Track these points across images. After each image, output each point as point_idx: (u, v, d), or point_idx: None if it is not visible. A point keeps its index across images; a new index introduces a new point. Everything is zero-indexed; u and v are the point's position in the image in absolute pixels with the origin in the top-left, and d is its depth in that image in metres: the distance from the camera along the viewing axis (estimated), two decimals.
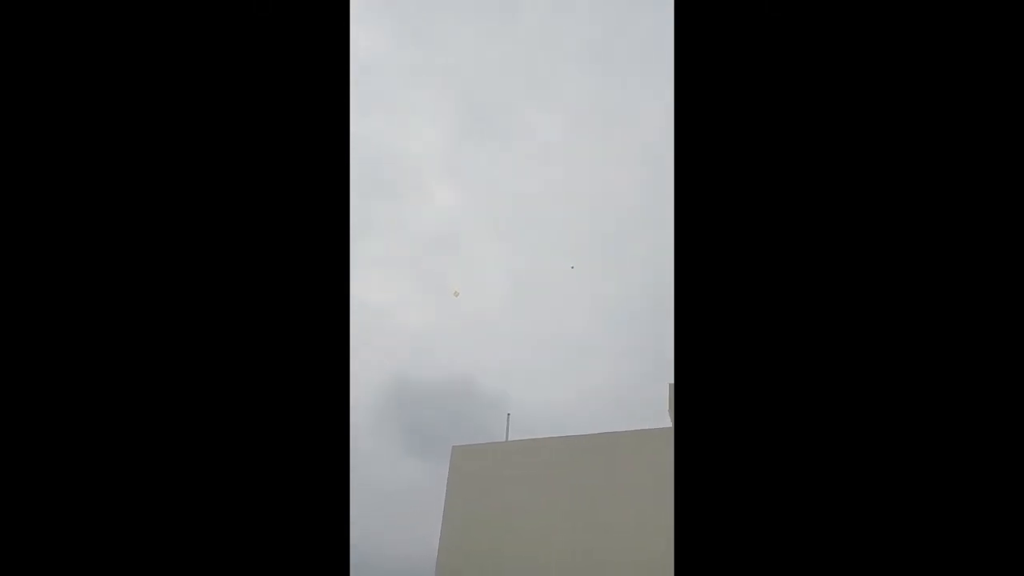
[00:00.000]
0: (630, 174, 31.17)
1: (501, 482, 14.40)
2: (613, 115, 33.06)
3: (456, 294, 26.74)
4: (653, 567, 11.88)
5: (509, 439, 15.18)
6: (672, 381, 12.93)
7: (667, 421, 13.36)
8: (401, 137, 33.97)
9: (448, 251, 33.16)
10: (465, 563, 13.87)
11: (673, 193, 2.87)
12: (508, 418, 15.41)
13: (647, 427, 13.80)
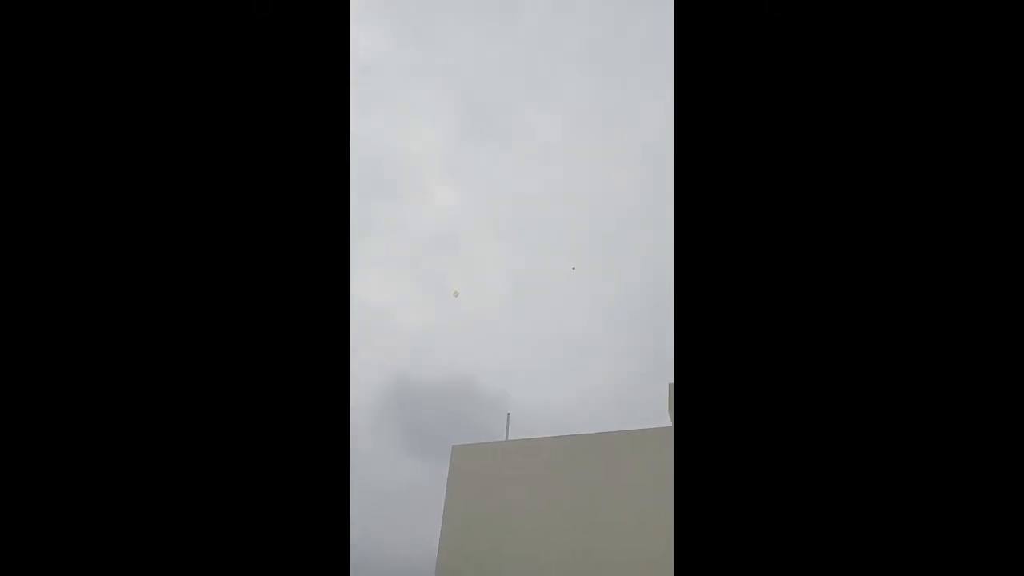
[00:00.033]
0: (630, 174, 31.19)
1: (501, 482, 14.41)
2: (613, 115, 33.08)
3: (456, 294, 26.74)
4: (653, 567, 11.88)
5: (509, 439, 15.19)
6: (672, 381, 12.94)
7: (667, 421, 13.36)
8: (401, 137, 34.00)
9: (448, 251, 33.18)
10: (465, 563, 13.87)
11: (673, 193, 2.87)
12: (508, 418, 15.43)
13: (647, 427, 13.80)
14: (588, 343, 30.28)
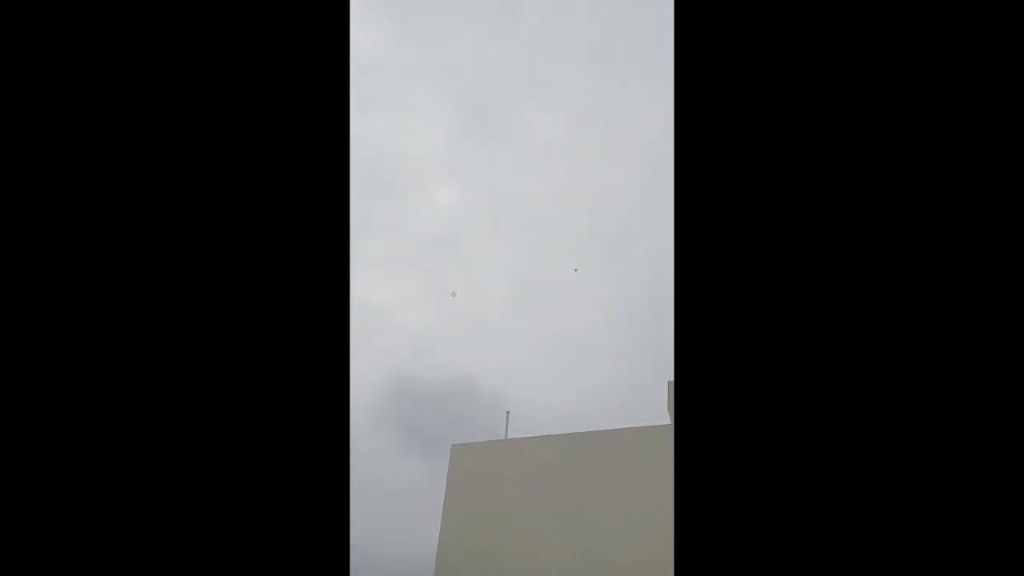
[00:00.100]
0: (630, 174, 31.20)
1: (501, 480, 14.40)
2: (613, 115, 33.09)
3: (453, 294, 26.74)
4: (653, 565, 11.88)
5: (508, 438, 15.18)
6: (672, 379, 12.95)
7: (667, 420, 13.37)
8: (401, 137, 34.02)
9: (448, 251, 33.19)
10: (465, 562, 13.87)
11: (673, 193, 2.87)
12: (507, 416, 15.41)
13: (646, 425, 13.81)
14: (588, 343, 30.31)
